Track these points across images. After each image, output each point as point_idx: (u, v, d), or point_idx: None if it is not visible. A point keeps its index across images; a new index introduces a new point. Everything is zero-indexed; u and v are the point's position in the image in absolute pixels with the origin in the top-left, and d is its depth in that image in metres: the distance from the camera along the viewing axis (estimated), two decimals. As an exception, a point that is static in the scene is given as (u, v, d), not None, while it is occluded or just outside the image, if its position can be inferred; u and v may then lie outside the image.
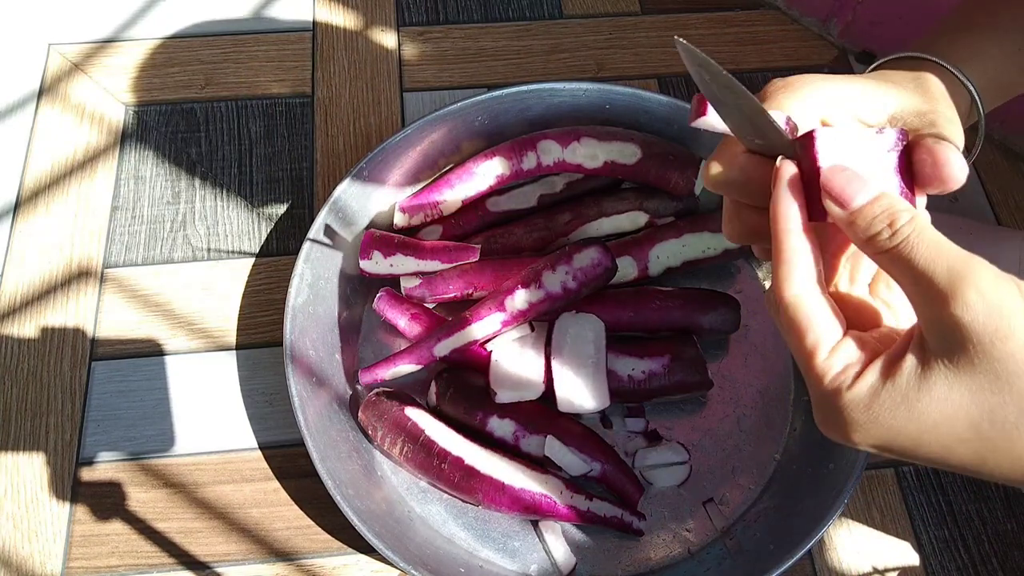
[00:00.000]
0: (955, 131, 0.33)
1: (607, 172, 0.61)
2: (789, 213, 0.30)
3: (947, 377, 0.26)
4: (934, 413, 0.26)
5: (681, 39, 0.30)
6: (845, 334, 0.29)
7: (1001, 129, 0.70)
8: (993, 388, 0.26)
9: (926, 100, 0.34)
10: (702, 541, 0.55)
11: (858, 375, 0.28)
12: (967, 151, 0.38)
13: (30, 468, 0.57)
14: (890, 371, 0.28)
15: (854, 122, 0.33)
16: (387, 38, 0.75)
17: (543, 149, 0.61)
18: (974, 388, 0.26)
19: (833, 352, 0.29)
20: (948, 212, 0.66)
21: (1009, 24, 0.40)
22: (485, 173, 0.61)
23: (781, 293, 0.30)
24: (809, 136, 0.30)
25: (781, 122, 0.31)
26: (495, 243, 0.61)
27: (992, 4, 0.41)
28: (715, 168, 0.33)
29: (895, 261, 0.28)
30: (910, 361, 0.27)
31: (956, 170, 0.30)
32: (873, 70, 0.38)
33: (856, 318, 0.31)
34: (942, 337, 0.26)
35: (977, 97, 0.37)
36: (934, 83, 0.36)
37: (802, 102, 0.32)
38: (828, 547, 0.56)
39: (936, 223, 0.57)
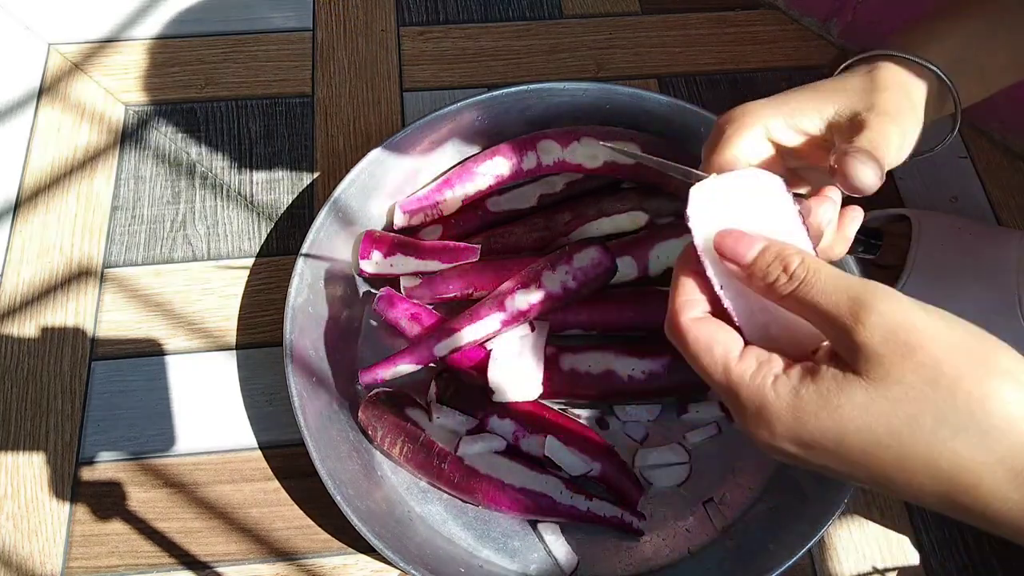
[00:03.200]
0: (888, 125, 0.35)
1: (607, 172, 0.61)
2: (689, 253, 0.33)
3: (865, 389, 0.28)
4: (856, 419, 0.28)
5: (608, 145, 0.38)
6: (746, 345, 0.31)
7: (1001, 129, 0.70)
8: (908, 398, 0.27)
9: (864, 98, 0.36)
10: (702, 541, 0.55)
11: (778, 376, 0.30)
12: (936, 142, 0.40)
13: (30, 468, 0.57)
14: (812, 374, 0.29)
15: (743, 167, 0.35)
16: (387, 38, 0.75)
17: (543, 149, 0.61)
18: (891, 399, 0.27)
19: (744, 355, 0.31)
20: (949, 212, 0.65)
21: (976, 11, 0.42)
22: (485, 173, 0.61)
23: (679, 319, 0.32)
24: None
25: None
26: (495, 243, 0.61)
27: None
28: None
29: (798, 302, 0.30)
30: (831, 370, 0.29)
31: (861, 177, 0.33)
32: (841, 71, 0.41)
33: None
34: (854, 358, 0.28)
35: (944, 76, 0.39)
36: (884, 76, 0.38)
37: (745, 132, 0.36)
38: (828, 547, 0.56)
39: (937, 223, 0.58)
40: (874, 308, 0.28)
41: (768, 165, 0.38)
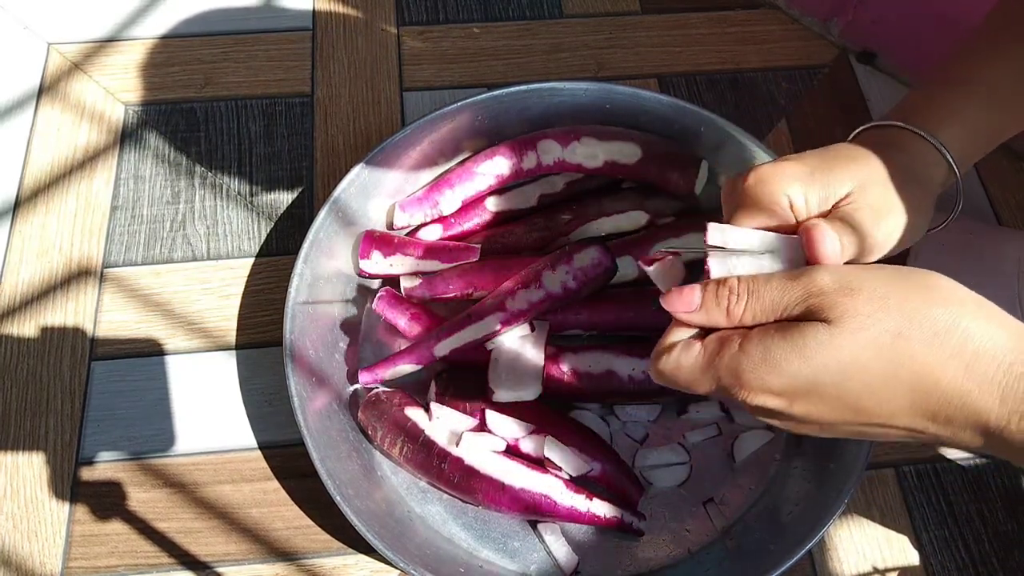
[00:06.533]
0: (870, 216, 0.38)
1: (607, 172, 0.61)
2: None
3: (827, 327, 0.32)
4: (824, 354, 0.32)
5: (662, 248, 0.42)
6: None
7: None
8: (865, 326, 0.31)
9: (865, 183, 0.39)
10: (702, 541, 0.55)
11: (744, 340, 0.33)
12: (940, 213, 0.42)
13: (29, 468, 0.57)
14: (777, 328, 0.33)
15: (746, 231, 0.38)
16: (387, 37, 0.75)
17: (543, 149, 0.61)
18: (852, 330, 0.31)
19: (707, 343, 0.34)
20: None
21: (986, 78, 0.43)
22: (485, 173, 0.61)
23: (652, 370, 0.36)
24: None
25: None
26: (495, 243, 0.61)
27: (970, 60, 0.44)
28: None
29: (762, 307, 0.33)
30: (793, 325, 0.33)
31: (826, 250, 0.36)
32: (854, 138, 0.43)
33: None
34: (813, 311, 0.32)
35: (951, 159, 0.41)
36: (892, 163, 0.39)
37: (768, 199, 0.38)
38: (828, 547, 0.55)
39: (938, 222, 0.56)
40: (817, 273, 0.33)
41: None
